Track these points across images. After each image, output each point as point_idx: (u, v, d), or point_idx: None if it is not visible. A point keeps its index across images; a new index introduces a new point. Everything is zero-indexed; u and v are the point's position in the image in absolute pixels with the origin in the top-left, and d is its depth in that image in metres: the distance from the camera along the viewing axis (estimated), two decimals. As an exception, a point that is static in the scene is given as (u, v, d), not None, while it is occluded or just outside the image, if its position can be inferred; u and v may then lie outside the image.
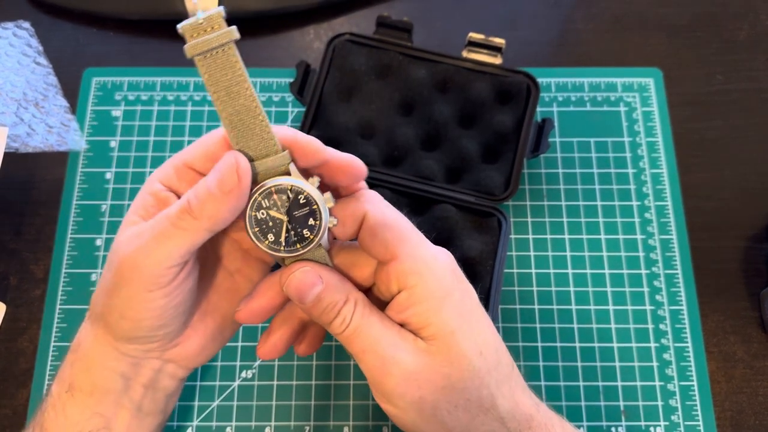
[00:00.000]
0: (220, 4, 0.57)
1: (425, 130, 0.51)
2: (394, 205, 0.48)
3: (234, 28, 0.29)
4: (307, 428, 0.46)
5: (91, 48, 0.58)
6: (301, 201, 0.31)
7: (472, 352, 0.31)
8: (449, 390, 0.30)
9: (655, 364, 0.48)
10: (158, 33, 0.59)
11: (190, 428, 0.46)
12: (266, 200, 0.31)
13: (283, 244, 0.31)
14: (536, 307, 0.49)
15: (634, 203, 0.53)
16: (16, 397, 0.47)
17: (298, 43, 0.59)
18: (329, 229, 0.32)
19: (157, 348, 0.34)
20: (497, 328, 0.48)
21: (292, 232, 0.31)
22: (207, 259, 0.35)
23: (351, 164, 0.32)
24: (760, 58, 0.58)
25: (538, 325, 0.49)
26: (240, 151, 0.30)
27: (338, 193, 0.33)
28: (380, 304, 0.33)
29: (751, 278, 0.51)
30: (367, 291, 0.34)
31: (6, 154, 0.52)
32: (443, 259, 0.32)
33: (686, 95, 0.57)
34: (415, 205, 0.50)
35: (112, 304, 0.32)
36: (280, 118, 0.56)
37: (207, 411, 0.46)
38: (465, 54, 0.52)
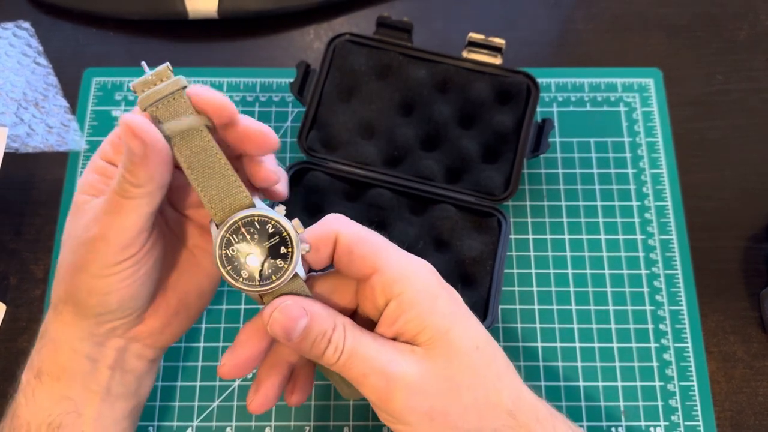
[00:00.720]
0: (221, 5, 0.57)
1: (425, 131, 0.52)
2: (394, 206, 0.49)
3: (181, 77, 0.30)
4: (307, 428, 0.46)
5: (91, 48, 0.58)
6: (270, 230, 0.30)
7: (470, 348, 0.31)
8: (455, 392, 0.30)
9: (655, 364, 0.48)
10: (158, 33, 0.59)
11: (190, 428, 0.46)
12: (234, 236, 0.30)
13: (258, 279, 0.30)
14: (536, 307, 0.49)
15: (634, 203, 0.53)
16: (12, 388, 0.47)
17: (298, 43, 0.59)
18: (303, 257, 0.31)
19: (122, 326, 0.34)
20: (497, 328, 0.49)
21: (266, 264, 0.30)
22: (164, 234, 0.35)
23: (262, 132, 0.32)
24: (760, 58, 0.58)
25: (538, 326, 0.49)
26: (203, 191, 0.31)
27: (248, 167, 0.33)
28: (368, 325, 0.32)
29: (751, 278, 0.51)
30: (352, 316, 0.34)
31: (6, 154, 0.52)
32: (423, 263, 0.32)
33: (686, 95, 0.57)
34: (415, 205, 0.50)
35: (81, 280, 0.32)
36: (280, 118, 0.56)
37: (207, 411, 0.46)
38: (465, 54, 0.52)
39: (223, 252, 0.31)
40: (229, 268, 0.31)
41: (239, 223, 0.30)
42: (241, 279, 0.31)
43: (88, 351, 0.34)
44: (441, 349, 0.30)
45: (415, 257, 0.33)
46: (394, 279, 0.31)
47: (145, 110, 0.30)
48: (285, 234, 0.31)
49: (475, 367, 0.31)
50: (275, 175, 0.33)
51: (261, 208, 0.31)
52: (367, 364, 0.30)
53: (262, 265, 0.30)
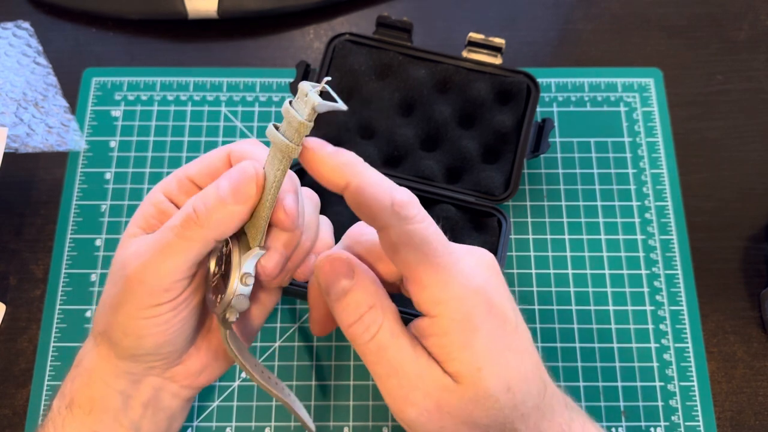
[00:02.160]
0: (221, 5, 0.57)
1: (425, 130, 0.51)
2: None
3: (308, 129, 0.27)
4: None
5: (90, 48, 0.58)
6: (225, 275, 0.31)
7: (499, 390, 0.28)
8: (471, 425, 0.29)
9: (655, 364, 0.48)
10: (158, 33, 0.59)
11: (190, 428, 0.46)
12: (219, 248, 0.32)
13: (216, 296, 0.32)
14: (536, 307, 0.49)
15: (634, 203, 0.53)
16: (16, 397, 0.47)
17: (298, 43, 0.59)
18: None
19: (160, 366, 0.33)
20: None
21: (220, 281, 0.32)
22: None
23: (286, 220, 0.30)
24: (760, 58, 0.58)
25: (538, 326, 0.49)
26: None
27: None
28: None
29: (751, 278, 0.51)
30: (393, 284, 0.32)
31: (6, 155, 0.52)
32: (476, 281, 0.29)
33: (686, 95, 0.57)
34: (415, 206, 0.50)
35: (116, 321, 0.31)
36: (280, 119, 0.55)
37: (207, 411, 0.46)
38: (465, 54, 0.52)
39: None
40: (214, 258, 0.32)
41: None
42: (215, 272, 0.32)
43: (122, 387, 0.33)
44: (469, 387, 0.28)
45: (472, 260, 0.29)
46: (434, 300, 0.28)
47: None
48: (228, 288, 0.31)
49: (500, 410, 0.29)
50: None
51: (248, 259, 0.30)
52: (393, 367, 0.29)
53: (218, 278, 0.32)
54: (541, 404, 0.31)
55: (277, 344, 0.48)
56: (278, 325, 0.49)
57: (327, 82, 0.27)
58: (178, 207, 0.32)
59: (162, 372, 0.34)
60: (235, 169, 0.29)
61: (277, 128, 0.28)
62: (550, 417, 0.31)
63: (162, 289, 0.30)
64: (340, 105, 0.27)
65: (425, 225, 0.29)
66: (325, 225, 0.35)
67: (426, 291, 0.28)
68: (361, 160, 0.28)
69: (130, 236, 0.32)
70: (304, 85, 0.27)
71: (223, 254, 0.32)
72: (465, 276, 0.29)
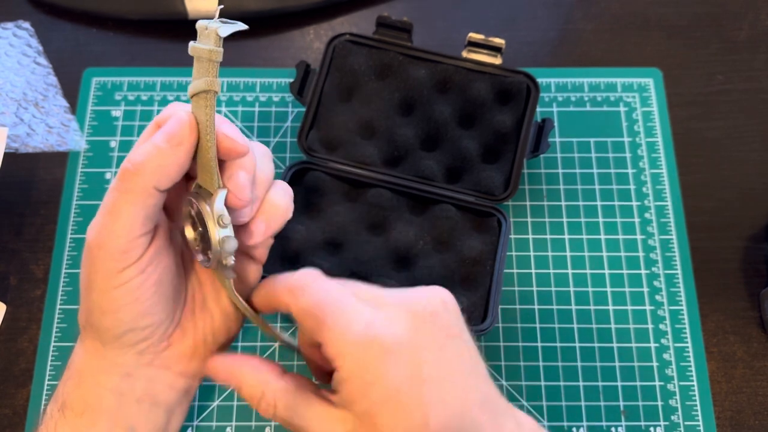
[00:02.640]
0: (220, 5, 0.57)
1: (425, 130, 0.52)
2: (394, 206, 0.49)
3: (219, 50, 0.30)
4: (307, 428, 0.46)
5: (91, 48, 0.58)
6: (199, 228, 0.32)
7: (417, 428, 0.29)
8: None
9: (654, 364, 0.48)
10: (158, 33, 0.59)
11: (190, 428, 0.46)
12: (189, 206, 0.32)
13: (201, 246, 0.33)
14: (536, 307, 0.49)
15: (634, 203, 0.53)
16: (16, 397, 0.47)
17: (298, 43, 0.59)
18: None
19: (148, 350, 0.33)
20: (497, 328, 0.48)
21: (203, 245, 0.32)
22: (186, 256, 0.35)
23: (228, 137, 0.31)
24: (760, 58, 0.58)
25: (537, 325, 0.49)
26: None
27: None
28: None
29: (751, 278, 0.51)
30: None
31: (6, 155, 0.52)
32: (385, 332, 0.30)
33: (686, 95, 0.57)
34: (415, 205, 0.50)
35: (91, 300, 0.31)
36: (280, 118, 0.56)
37: (207, 411, 0.46)
38: (465, 54, 0.52)
39: (186, 209, 0.32)
40: (187, 220, 0.33)
41: (191, 201, 0.32)
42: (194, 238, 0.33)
43: (114, 384, 0.33)
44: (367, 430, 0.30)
45: (387, 319, 0.30)
46: (333, 355, 0.30)
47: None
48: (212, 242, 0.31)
49: None
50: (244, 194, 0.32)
51: (209, 213, 0.31)
52: (304, 427, 0.31)
53: (200, 243, 0.33)
54: (486, 420, 0.30)
55: (277, 344, 0.48)
56: (278, 324, 0.49)
57: (221, 9, 0.30)
58: None
59: (153, 359, 0.33)
60: (172, 117, 0.30)
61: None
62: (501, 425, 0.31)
63: (121, 250, 0.30)
64: (240, 25, 0.29)
65: (317, 296, 0.31)
66: (280, 185, 0.35)
67: (327, 349, 0.30)
68: (272, 278, 0.34)
69: None
70: (200, 23, 0.29)
71: (194, 217, 0.32)
72: (371, 326, 0.30)
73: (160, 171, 0.29)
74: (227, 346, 0.37)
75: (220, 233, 0.31)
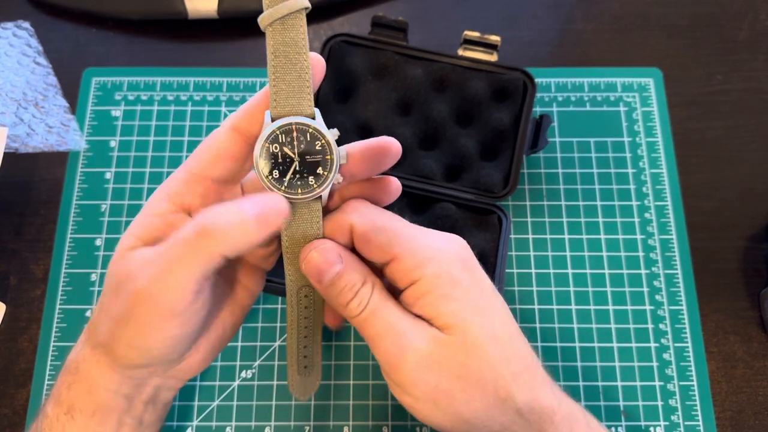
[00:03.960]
0: (221, 5, 0.57)
1: (423, 130, 0.52)
2: (394, 205, 0.49)
3: None
4: (307, 428, 0.46)
5: (91, 48, 0.58)
6: (317, 147, 0.30)
7: (486, 341, 0.30)
8: (464, 379, 0.30)
9: (654, 364, 0.48)
10: (158, 33, 0.59)
11: (189, 428, 0.46)
12: (284, 136, 0.30)
13: (285, 183, 0.30)
14: (536, 307, 0.49)
15: (634, 203, 0.53)
16: (16, 397, 0.47)
17: (297, 43, 0.59)
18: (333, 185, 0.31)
19: (163, 369, 0.33)
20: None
21: (298, 175, 0.31)
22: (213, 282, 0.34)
23: (383, 147, 0.31)
24: (760, 58, 0.58)
25: (537, 325, 0.49)
26: (275, 82, 0.30)
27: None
28: (393, 293, 0.32)
29: (751, 278, 0.51)
30: (380, 276, 0.33)
31: (6, 155, 0.52)
32: (449, 248, 0.31)
33: (686, 95, 0.57)
34: (415, 205, 0.50)
35: (121, 335, 0.30)
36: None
37: (207, 411, 0.46)
38: (461, 52, 0.52)
39: (266, 145, 0.30)
40: (264, 162, 0.30)
41: (294, 126, 0.30)
42: (270, 177, 0.30)
43: (126, 391, 0.33)
44: (457, 337, 0.30)
45: (445, 239, 0.32)
46: (412, 266, 0.30)
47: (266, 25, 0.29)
48: (329, 157, 0.31)
49: (490, 361, 0.30)
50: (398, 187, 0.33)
51: (319, 124, 0.30)
52: (384, 327, 0.30)
53: (294, 174, 0.31)
54: (532, 366, 0.32)
55: (276, 344, 0.48)
56: (278, 324, 0.49)
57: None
58: (186, 212, 0.31)
59: (164, 372, 0.34)
60: (267, 199, 0.29)
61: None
62: (542, 383, 0.32)
63: (171, 305, 0.29)
64: None
65: (383, 213, 0.32)
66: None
67: (403, 262, 0.30)
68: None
69: (128, 249, 0.30)
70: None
71: (281, 145, 0.31)
72: (436, 243, 0.31)
73: (238, 245, 0.28)
74: (227, 344, 0.37)
75: (332, 137, 0.31)
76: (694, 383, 0.47)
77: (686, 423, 0.46)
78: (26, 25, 0.58)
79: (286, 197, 0.30)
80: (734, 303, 0.50)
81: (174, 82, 0.57)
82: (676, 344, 0.48)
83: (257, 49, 0.59)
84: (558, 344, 0.48)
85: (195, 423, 0.46)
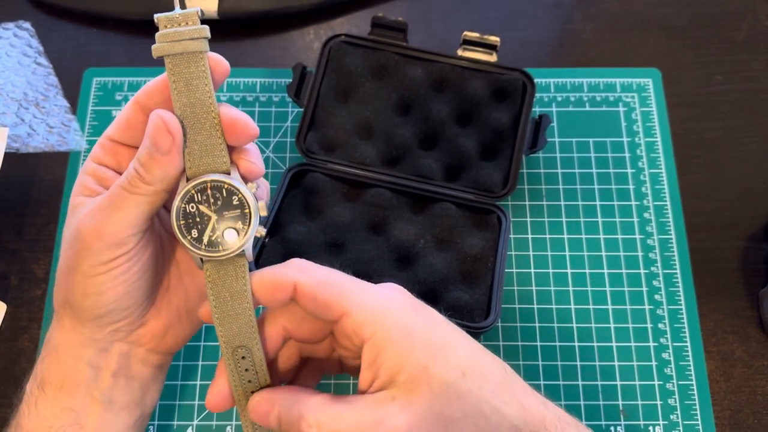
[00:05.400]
0: (221, 5, 0.57)
1: (423, 130, 0.52)
2: (393, 206, 0.49)
3: (206, 27, 0.30)
4: (307, 427, 0.46)
5: (91, 48, 0.58)
6: (234, 202, 0.31)
7: (454, 377, 0.30)
8: (452, 426, 0.29)
9: (653, 363, 0.48)
10: (158, 33, 0.59)
11: (190, 428, 0.46)
12: (199, 194, 0.31)
13: (205, 242, 0.31)
14: (535, 306, 0.50)
15: (633, 203, 0.53)
16: (17, 397, 0.47)
17: (298, 44, 0.59)
18: (256, 238, 0.31)
19: (123, 327, 0.33)
20: (497, 327, 0.49)
21: (218, 232, 0.31)
22: (164, 237, 0.35)
23: (242, 121, 0.31)
24: (759, 58, 0.58)
25: (537, 325, 0.49)
26: (186, 144, 0.30)
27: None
28: (354, 361, 0.33)
29: (750, 278, 0.51)
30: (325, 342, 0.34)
31: (7, 155, 0.53)
32: (394, 296, 0.31)
33: (685, 96, 0.57)
34: (414, 204, 0.50)
35: (75, 282, 0.32)
36: (280, 119, 0.56)
37: (207, 410, 0.47)
38: (460, 52, 0.52)
39: (183, 206, 0.31)
40: (182, 222, 0.31)
41: (208, 184, 0.30)
42: (189, 237, 0.31)
43: (90, 357, 0.33)
44: (423, 387, 0.29)
45: (387, 289, 0.32)
46: (363, 322, 0.30)
47: (160, 50, 0.30)
48: (247, 211, 0.31)
49: (465, 395, 0.30)
50: (258, 168, 0.32)
51: (234, 179, 0.31)
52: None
53: (213, 231, 0.31)
54: (507, 378, 0.32)
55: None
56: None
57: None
58: (111, 169, 0.33)
59: (127, 335, 0.34)
60: (149, 125, 0.30)
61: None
62: (523, 389, 0.32)
63: (116, 241, 0.30)
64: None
65: (327, 271, 0.32)
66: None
67: (355, 316, 0.30)
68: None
69: (76, 205, 0.32)
70: (163, 16, 0.30)
71: (197, 207, 0.31)
72: (382, 294, 0.31)
73: (165, 176, 0.30)
74: (201, 322, 0.37)
75: (251, 196, 0.31)
76: (693, 382, 0.47)
77: (685, 422, 0.46)
78: (27, 25, 0.59)
79: (207, 256, 0.31)
80: (733, 303, 0.50)
81: (174, 82, 0.57)
82: (675, 344, 0.49)
83: (257, 49, 0.59)
84: (557, 343, 0.48)
85: (195, 422, 0.46)
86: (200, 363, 0.48)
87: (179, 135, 0.30)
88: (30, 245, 0.51)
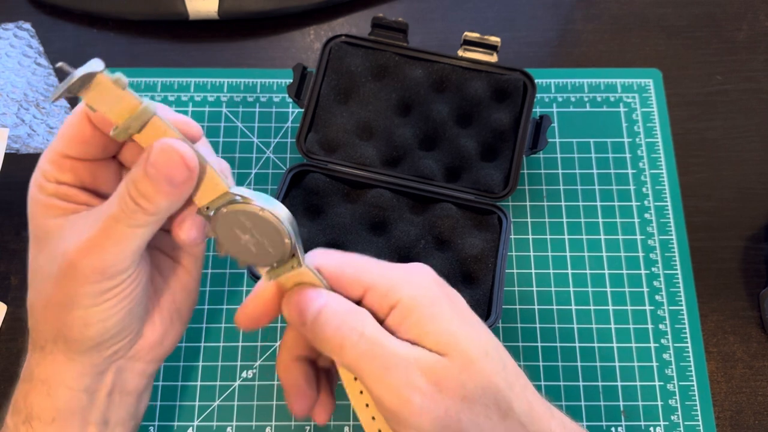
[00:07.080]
0: (221, 5, 0.57)
1: (423, 130, 0.52)
2: (394, 206, 0.49)
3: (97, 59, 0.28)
4: (308, 428, 0.46)
5: (91, 49, 0.58)
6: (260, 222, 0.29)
7: (478, 353, 0.29)
8: (468, 400, 0.29)
9: (654, 364, 0.48)
10: (159, 34, 0.59)
11: (190, 428, 0.46)
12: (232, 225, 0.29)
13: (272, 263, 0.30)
14: (536, 307, 0.50)
15: (634, 204, 0.53)
16: None
17: (298, 44, 0.59)
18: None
19: (125, 346, 0.33)
20: (497, 328, 0.49)
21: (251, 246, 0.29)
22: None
23: (184, 122, 0.30)
24: (759, 58, 0.58)
25: (537, 325, 0.49)
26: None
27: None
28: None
29: (751, 278, 0.51)
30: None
31: (7, 155, 0.53)
32: (420, 269, 0.31)
33: (686, 96, 0.57)
34: (415, 205, 0.50)
35: (72, 319, 0.30)
36: (281, 119, 0.56)
37: (207, 411, 0.47)
38: (460, 53, 0.52)
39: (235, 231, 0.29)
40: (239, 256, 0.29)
41: (231, 211, 0.28)
42: (268, 269, 0.30)
43: (87, 384, 0.32)
44: (452, 355, 0.28)
45: (410, 264, 0.31)
46: (388, 289, 0.29)
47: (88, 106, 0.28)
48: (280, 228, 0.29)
49: (485, 374, 0.29)
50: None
51: (255, 197, 0.29)
52: (389, 359, 0.28)
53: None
54: (520, 376, 0.31)
55: (277, 344, 0.48)
56: (279, 324, 0.49)
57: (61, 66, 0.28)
58: (74, 186, 0.31)
59: (126, 353, 0.33)
60: (158, 153, 0.28)
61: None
62: (532, 392, 0.32)
63: (120, 270, 0.29)
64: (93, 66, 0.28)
65: (343, 253, 0.31)
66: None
67: (378, 288, 0.29)
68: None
69: (51, 230, 0.31)
70: (63, 86, 0.28)
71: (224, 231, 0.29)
72: (406, 267, 0.31)
73: (172, 209, 0.29)
74: (190, 316, 0.37)
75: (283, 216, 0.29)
76: (694, 383, 0.47)
77: (686, 423, 0.46)
78: (27, 25, 0.59)
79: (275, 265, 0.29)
80: (734, 303, 0.50)
81: (175, 82, 0.57)
82: (676, 344, 0.49)
83: (258, 49, 0.59)
84: (558, 344, 0.48)
85: (196, 423, 0.46)
86: (200, 363, 0.48)
87: (197, 169, 0.28)
88: (30, 246, 0.51)
